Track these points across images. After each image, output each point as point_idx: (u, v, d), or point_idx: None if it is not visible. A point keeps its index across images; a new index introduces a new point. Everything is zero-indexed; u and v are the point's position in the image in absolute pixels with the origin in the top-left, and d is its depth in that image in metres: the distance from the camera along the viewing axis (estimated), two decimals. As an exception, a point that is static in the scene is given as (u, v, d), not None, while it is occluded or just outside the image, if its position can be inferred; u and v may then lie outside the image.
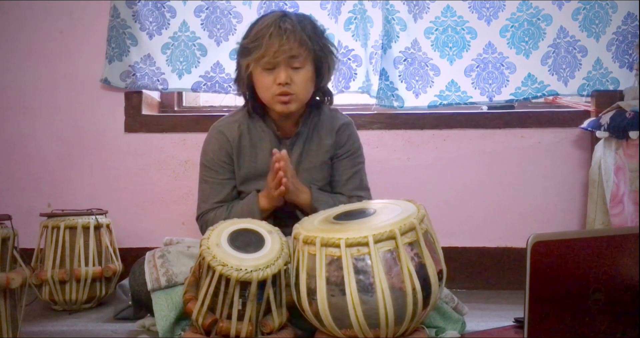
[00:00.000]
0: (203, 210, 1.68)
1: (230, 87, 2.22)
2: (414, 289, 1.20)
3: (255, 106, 1.67)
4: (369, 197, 1.74)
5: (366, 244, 1.20)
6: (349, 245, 1.20)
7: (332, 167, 1.72)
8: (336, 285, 1.20)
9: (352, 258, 1.20)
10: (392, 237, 1.21)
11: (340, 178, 1.70)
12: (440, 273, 1.27)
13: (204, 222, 1.67)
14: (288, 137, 1.69)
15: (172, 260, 1.47)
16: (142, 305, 1.57)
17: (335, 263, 1.21)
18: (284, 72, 1.56)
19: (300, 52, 1.57)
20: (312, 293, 1.23)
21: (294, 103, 1.61)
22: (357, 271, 1.20)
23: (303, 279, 1.25)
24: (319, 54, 1.61)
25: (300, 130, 1.68)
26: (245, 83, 1.64)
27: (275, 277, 1.29)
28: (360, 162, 1.76)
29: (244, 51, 1.60)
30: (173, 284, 1.43)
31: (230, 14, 2.22)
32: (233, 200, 1.68)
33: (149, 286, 1.44)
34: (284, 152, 1.53)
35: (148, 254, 1.52)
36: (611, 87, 2.12)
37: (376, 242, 1.20)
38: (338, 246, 1.20)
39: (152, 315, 1.45)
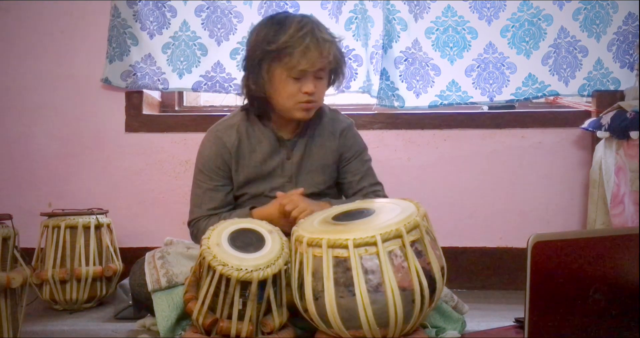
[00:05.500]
0: (196, 216, 1.66)
1: (231, 87, 2.23)
2: (421, 286, 1.21)
3: (261, 109, 1.64)
4: (384, 191, 1.73)
5: (374, 244, 1.20)
6: (357, 246, 1.20)
7: (343, 170, 1.71)
8: (345, 286, 1.20)
9: (360, 259, 1.20)
10: (398, 236, 1.21)
11: (353, 178, 1.70)
12: (442, 269, 1.27)
13: (197, 229, 1.64)
14: (289, 138, 1.67)
15: (171, 261, 1.47)
16: (142, 305, 1.57)
17: (342, 264, 1.21)
18: (312, 83, 1.56)
19: (329, 65, 1.57)
20: (318, 295, 1.23)
21: (314, 110, 1.62)
22: (366, 271, 1.20)
23: (308, 281, 1.24)
24: (340, 64, 1.62)
25: (302, 131, 1.67)
26: (264, 86, 1.58)
27: (276, 277, 1.29)
28: (368, 159, 1.75)
29: (269, 56, 1.54)
30: (174, 285, 1.43)
31: (231, 14, 2.22)
32: (227, 206, 1.66)
33: (150, 287, 1.44)
34: (294, 192, 1.55)
35: (148, 255, 1.52)
36: (612, 87, 2.11)
37: (384, 241, 1.20)
38: (346, 247, 1.20)
39: (153, 315, 1.45)
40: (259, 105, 1.63)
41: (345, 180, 1.72)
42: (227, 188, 1.66)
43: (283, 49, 1.52)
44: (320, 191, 1.68)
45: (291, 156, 1.66)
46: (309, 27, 1.53)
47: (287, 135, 1.67)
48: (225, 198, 1.66)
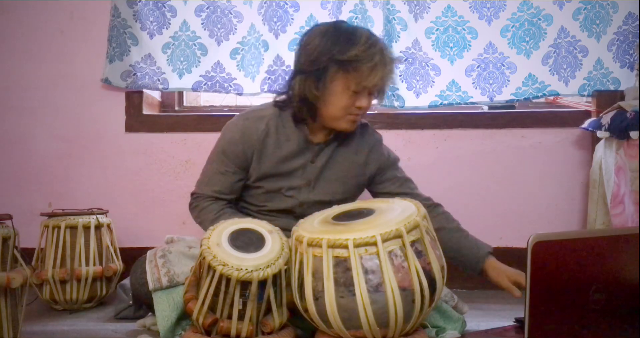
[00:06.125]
0: (201, 192, 1.66)
1: (231, 87, 2.23)
2: (421, 286, 1.21)
3: (306, 112, 1.60)
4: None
5: (374, 244, 1.20)
6: (357, 246, 1.20)
7: (381, 180, 1.71)
8: (345, 286, 1.20)
9: (360, 259, 1.20)
10: (399, 236, 1.21)
11: (393, 186, 1.70)
12: (442, 269, 1.27)
13: (196, 203, 1.66)
14: (318, 143, 1.65)
15: (173, 260, 1.48)
16: (142, 304, 1.58)
17: (342, 264, 1.21)
18: (368, 99, 1.57)
19: (387, 83, 1.59)
20: (318, 295, 1.23)
21: (358, 123, 1.64)
22: (366, 271, 1.20)
23: (309, 281, 1.24)
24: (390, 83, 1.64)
25: (332, 139, 1.65)
26: (323, 93, 1.54)
27: (276, 277, 1.29)
28: (402, 169, 1.76)
29: (336, 65, 1.51)
30: (174, 284, 1.43)
31: (231, 14, 2.22)
32: (231, 193, 1.65)
33: (151, 286, 1.44)
34: None
35: (149, 254, 1.52)
36: (612, 87, 2.11)
37: (384, 241, 1.20)
38: (346, 247, 1.20)
39: (153, 313, 1.45)
40: (307, 109, 1.59)
41: (384, 189, 1.71)
42: (236, 176, 1.65)
43: (352, 62, 1.50)
44: (335, 200, 1.64)
45: (315, 160, 1.64)
46: (379, 45, 1.54)
47: (317, 139, 1.65)
48: (232, 185, 1.65)
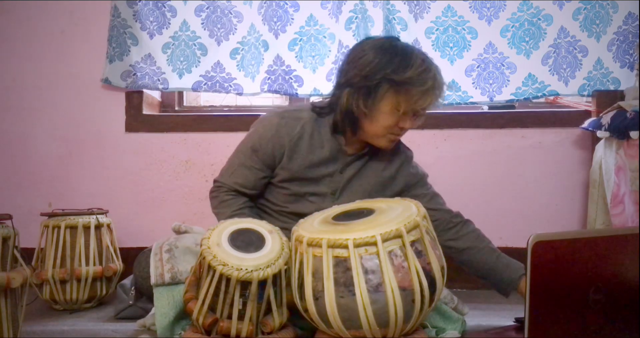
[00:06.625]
0: (224, 181, 1.63)
1: (231, 86, 2.23)
2: (421, 286, 1.21)
3: (348, 124, 1.56)
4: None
5: (374, 244, 1.20)
6: (357, 246, 1.20)
7: (410, 197, 1.62)
8: (345, 286, 1.20)
9: (360, 259, 1.20)
10: (399, 236, 1.22)
11: (422, 199, 1.63)
12: (442, 269, 1.27)
13: (217, 195, 1.64)
14: (350, 154, 1.62)
15: (178, 257, 1.47)
16: (143, 294, 1.59)
17: (342, 264, 1.21)
18: (412, 121, 1.54)
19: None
20: (318, 295, 1.23)
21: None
22: (366, 271, 1.20)
23: (309, 281, 1.24)
24: None
25: (364, 152, 1.63)
26: (371, 108, 1.51)
27: (276, 277, 1.29)
28: (431, 186, 1.73)
29: (388, 84, 1.48)
30: (177, 282, 1.43)
31: (231, 14, 2.22)
32: (253, 189, 1.63)
33: (153, 280, 1.44)
34: None
35: (156, 246, 1.51)
36: (612, 87, 2.12)
37: (384, 241, 1.20)
38: (346, 247, 1.20)
39: (153, 303, 1.45)
40: (349, 122, 1.56)
41: None
42: (260, 173, 1.61)
43: (405, 84, 1.47)
44: None
45: (344, 171, 1.62)
46: (433, 70, 1.50)
47: (350, 150, 1.62)
48: (255, 181, 1.62)
